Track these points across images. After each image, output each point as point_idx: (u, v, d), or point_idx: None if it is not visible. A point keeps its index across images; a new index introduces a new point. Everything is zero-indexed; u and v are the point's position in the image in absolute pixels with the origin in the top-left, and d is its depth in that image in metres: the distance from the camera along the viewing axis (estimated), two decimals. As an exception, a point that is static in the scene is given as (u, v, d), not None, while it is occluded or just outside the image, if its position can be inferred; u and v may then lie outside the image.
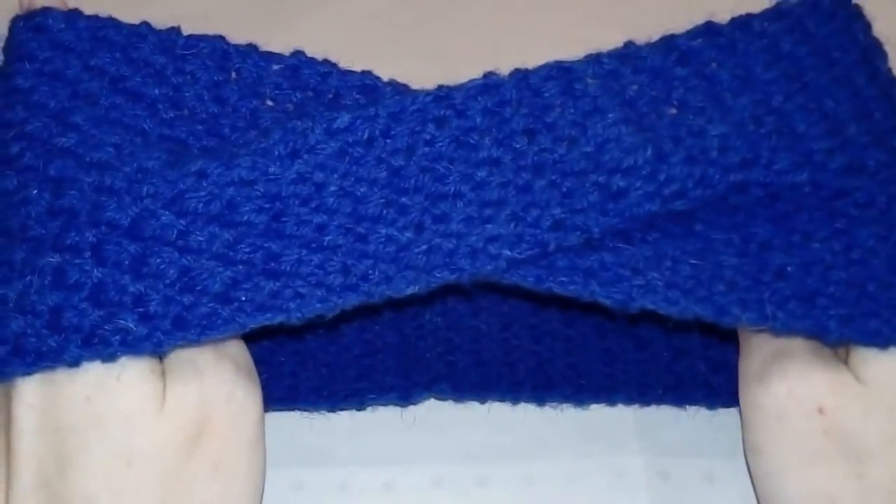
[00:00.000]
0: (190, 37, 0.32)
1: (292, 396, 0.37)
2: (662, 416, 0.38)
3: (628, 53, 0.32)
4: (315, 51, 0.35)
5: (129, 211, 0.28)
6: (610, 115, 0.31)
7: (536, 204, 0.30)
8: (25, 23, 0.31)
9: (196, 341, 0.28)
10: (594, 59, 0.32)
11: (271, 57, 0.32)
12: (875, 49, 0.33)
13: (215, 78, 0.31)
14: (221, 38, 0.32)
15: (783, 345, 0.32)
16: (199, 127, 0.31)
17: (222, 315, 0.28)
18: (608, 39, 0.34)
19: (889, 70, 0.33)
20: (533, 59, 0.33)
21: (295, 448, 0.37)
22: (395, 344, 0.38)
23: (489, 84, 0.31)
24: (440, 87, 0.31)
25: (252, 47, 0.32)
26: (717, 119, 0.31)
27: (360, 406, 0.37)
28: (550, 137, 0.30)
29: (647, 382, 0.38)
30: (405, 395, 0.37)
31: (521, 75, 0.31)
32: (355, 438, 0.38)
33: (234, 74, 0.32)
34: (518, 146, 0.30)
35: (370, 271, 0.29)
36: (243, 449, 0.30)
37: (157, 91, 0.31)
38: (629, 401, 0.38)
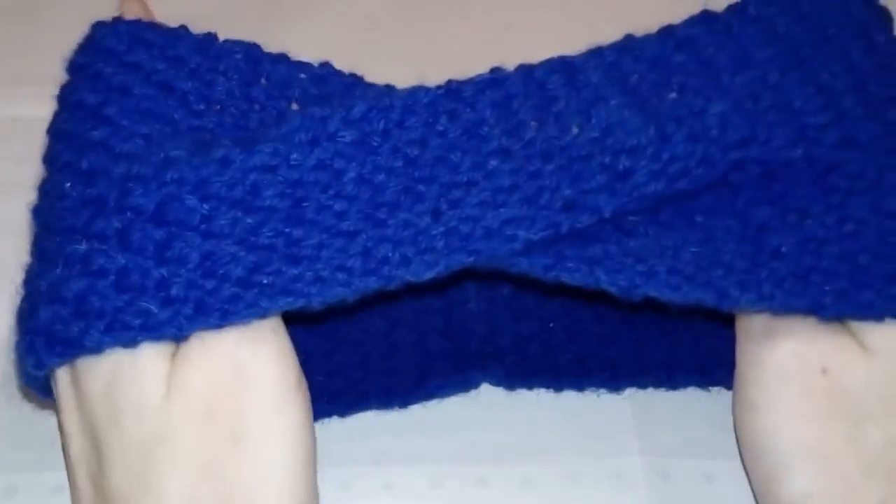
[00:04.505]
0: (225, 41, 0.33)
1: (366, 399, 0.38)
2: (662, 416, 0.38)
3: (627, 45, 0.33)
4: (314, 50, 0.35)
5: (154, 196, 0.29)
6: (612, 102, 0.31)
7: (547, 187, 0.31)
8: (83, 41, 0.33)
9: (218, 325, 0.28)
10: (595, 52, 0.33)
11: (300, 65, 0.33)
12: (874, 22, 0.34)
13: (246, 79, 0.32)
14: (256, 45, 0.33)
15: None
16: (229, 120, 0.32)
17: (244, 299, 0.28)
18: (608, 38, 0.34)
19: (892, 40, 0.34)
20: (534, 58, 0.33)
21: (295, 448, 0.37)
22: (449, 351, 0.39)
23: (496, 79, 0.32)
24: (450, 82, 0.32)
25: (282, 56, 0.33)
26: (716, 98, 0.32)
27: (428, 398, 0.38)
28: (557, 126, 0.31)
29: (673, 367, 0.39)
30: (465, 382, 0.39)
31: (525, 70, 0.32)
32: (355, 438, 0.38)
33: (263, 80, 0.33)
34: (526, 136, 0.31)
35: (389, 254, 0.30)
36: (262, 417, 0.29)
37: (189, 84, 0.32)
38: (658, 384, 0.39)
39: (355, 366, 0.39)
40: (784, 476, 0.31)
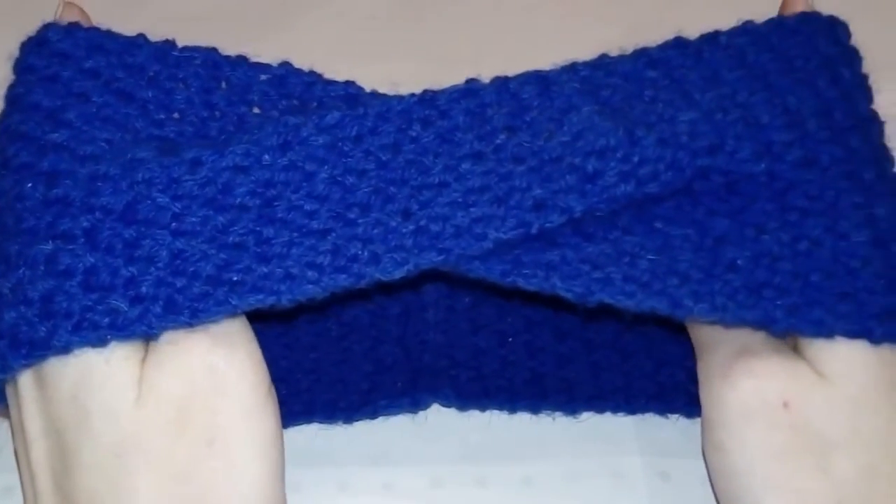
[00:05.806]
0: (184, 48, 0.33)
1: (310, 410, 0.38)
2: (662, 417, 0.38)
3: (601, 62, 0.34)
4: (312, 51, 0.35)
5: (124, 195, 0.29)
6: (585, 109, 0.32)
7: (518, 188, 0.31)
8: (30, 40, 0.33)
9: (188, 324, 0.28)
10: (569, 67, 0.34)
11: (259, 67, 0.33)
12: (841, 58, 0.35)
13: (206, 85, 0.33)
14: (214, 49, 0.33)
15: (746, 342, 0.32)
16: (189, 129, 0.32)
17: (214, 297, 0.28)
18: (604, 40, 0.34)
19: (859, 76, 0.35)
20: (530, 58, 0.33)
21: (294, 448, 0.37)
22: (402, 361, 0.39)
23: (471, 89, 0.32)
24: (425, 91, 0.32)
25: (242, 58, 0.33)
26: (685, 108, 0.33)
27: (373, 415, 0.38)
28: (529, 132, 0.32)
29: (631, 392, 0.39)
30: (413, 403, 0.38)
31: (500, 81, 0.33)
32: (355, 439, 0.38)
33: (223, 84, 0.33)
34: (499, 141, 0.32)
35: (359, 252, 0.30)
36: (237, 422, 0.29)
37: (149, 93, 0.32)
38: (616, 409, 0.39)
39: (304, 372, 0.39)
40: None
